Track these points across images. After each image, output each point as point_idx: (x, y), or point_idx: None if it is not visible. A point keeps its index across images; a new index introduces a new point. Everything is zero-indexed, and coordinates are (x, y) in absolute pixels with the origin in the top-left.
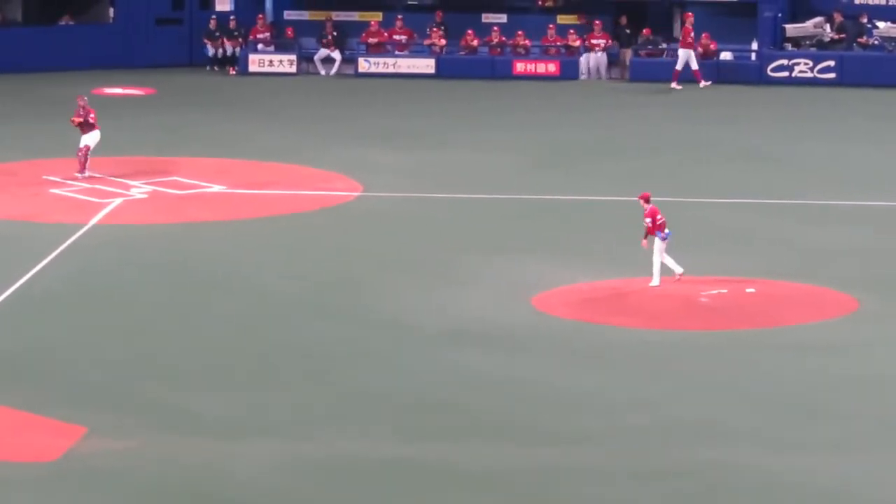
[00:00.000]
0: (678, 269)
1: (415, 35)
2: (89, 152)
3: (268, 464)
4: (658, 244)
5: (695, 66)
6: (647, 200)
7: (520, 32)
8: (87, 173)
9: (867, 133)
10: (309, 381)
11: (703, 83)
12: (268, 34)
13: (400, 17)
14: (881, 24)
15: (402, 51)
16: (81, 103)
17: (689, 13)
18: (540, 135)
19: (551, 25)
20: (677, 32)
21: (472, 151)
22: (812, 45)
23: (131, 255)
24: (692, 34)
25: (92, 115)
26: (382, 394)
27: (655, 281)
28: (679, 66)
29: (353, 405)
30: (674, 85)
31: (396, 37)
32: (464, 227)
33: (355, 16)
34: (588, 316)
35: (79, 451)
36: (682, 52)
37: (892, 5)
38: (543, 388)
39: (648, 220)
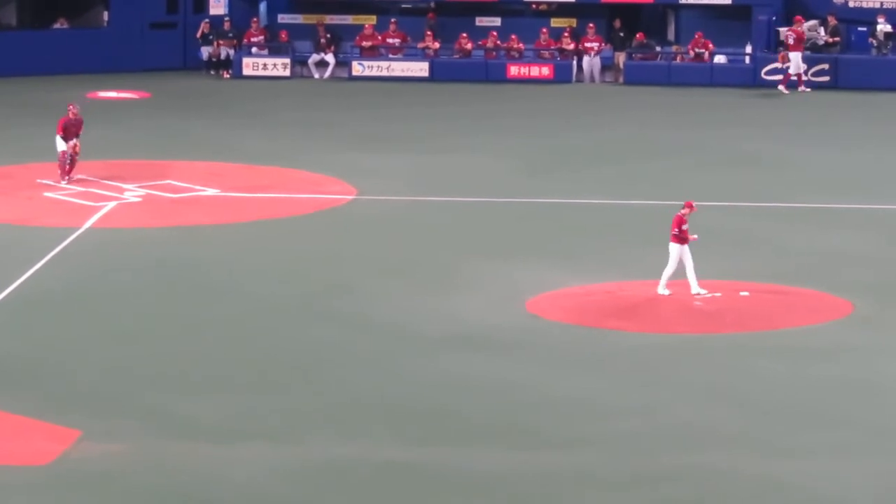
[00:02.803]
0: (664, 290)
1: (408, 38)
2: (64, 157)
3: (262, 468)
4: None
5: (800, 69)
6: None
7: (514, 36)
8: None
9: (862, 136)
10: (303, 385)
11: (802, 88)
12: (262, 38)
13: (394, 20)
14: (879, 26)
15: (395, 54)
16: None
17: (800, 17)
18: (534, 138)
19: (544, 29)
20: (671, 35)
21: (467, 155)
22: (806, 49)
23: (125, 259)
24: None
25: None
26: (377, 398)
27: (694, 288)
28: (793, 71)
29: (349, 410)
30: (782, 88)
31: (390, 40)
32: (458, 231)
33: (349, 19)
34: (583, 319)
35: (73, 454)
36: (793, 56)
37: (888, 8)
38: (538, 392)
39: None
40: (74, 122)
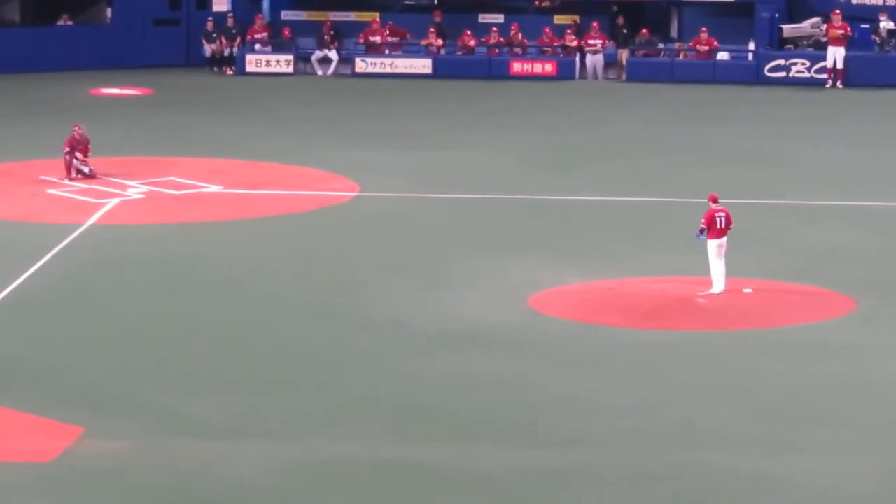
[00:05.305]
0: (717, 288)
1: (408, 35)
2: (72, 161)
3: (263, 466)
4: (711, 249)
5: (833, 64)
6: (713, 201)
7: (514, 25)
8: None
9: (865, 134)
10: (304, 383)
11: (829, 85)
12: (265, 34)
13: (390, 22)
14: (881, 23)
15: (398, 51)
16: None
17: (837, 11)
18: (537, 135)
19: (547, 27)
20: (674, 32)
21: (469, 151)
22: (809, 46)
23: (128, 256)
24: (841, 31)
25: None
26: (378, 396)
27: (715, 287)
28: (829, 64)
29: (349, 407)
30: (839, 85)
31: (393, 37)
32: (460, 228)
33: (352, 16)
34: (585, 316)
35: (75, 452)
36: (830, 52)
37: (890, 5)
38: (539, 389)
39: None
40: (80, 140)
